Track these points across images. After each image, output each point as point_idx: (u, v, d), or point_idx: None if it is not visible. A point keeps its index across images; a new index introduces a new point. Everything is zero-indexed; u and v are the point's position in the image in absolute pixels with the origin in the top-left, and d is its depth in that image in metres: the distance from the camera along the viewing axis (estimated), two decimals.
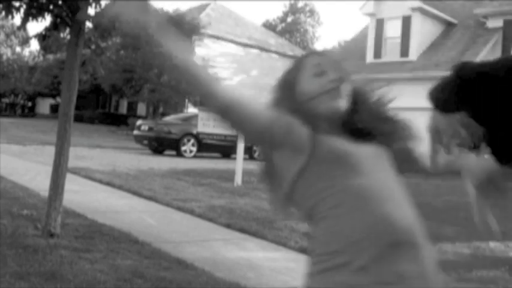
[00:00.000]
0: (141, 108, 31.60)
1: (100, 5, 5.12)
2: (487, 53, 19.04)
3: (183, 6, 49.11)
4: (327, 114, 1.43)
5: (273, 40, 33.02)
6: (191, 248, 5.13)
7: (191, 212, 6.94)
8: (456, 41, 20.08)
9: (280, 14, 57.80)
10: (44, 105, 42.34)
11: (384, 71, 20.52)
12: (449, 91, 1.61)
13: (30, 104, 42.79)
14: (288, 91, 1.53)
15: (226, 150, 17.07)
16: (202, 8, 30.82)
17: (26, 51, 44.53)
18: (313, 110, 1.44)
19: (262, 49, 30.53)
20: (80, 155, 12.83)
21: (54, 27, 5.07)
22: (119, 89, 26.82)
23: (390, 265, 1.26)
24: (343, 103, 1.45)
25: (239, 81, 28.06)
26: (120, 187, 8.60)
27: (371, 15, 21.40)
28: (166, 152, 16.89)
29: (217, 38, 27.87)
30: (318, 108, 1.43)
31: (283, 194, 1.43)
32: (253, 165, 14.12)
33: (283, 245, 5.49)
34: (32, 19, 4.85)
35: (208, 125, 9.80)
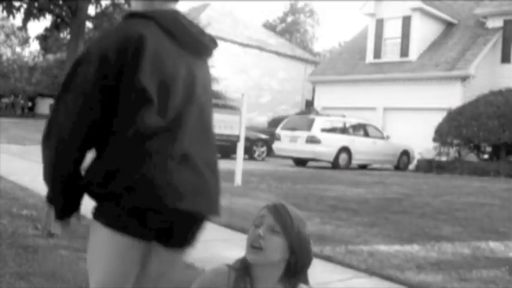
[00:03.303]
0: None
1: (100, 5, 5.13)
2: (487, 53, 19.04)
3: (183, 6, 49.12)
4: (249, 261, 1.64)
5: (273, 40, 33.02)
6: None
7: None
8: (456, 41, 20.08)
9: (280, 14, 57.82)
10: (44, 105, 42.29)
11: (383, 71, 20.53)
12: None
13: (30, 104, 42.78)
14: None
15: (226, 150, 17.05)
16: (202, 8, 30.83)
17: (26, 51, 44.56)
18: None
19: (262, 49, 30.53)
20: None
21: (54, 27, 5.08)
22: None
23: None
24: (264, 257, 1.61)
25: (239, 81, 28.07)
26: None
27: (371, 15, 21.41)
28: None
29: (217, 38, 27.87)
30: (246, 254, 1.65)
31: None
32: (253, 166, 14.13)
33: None
34: (33, 19, 4.86)
35: None
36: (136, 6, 1.87)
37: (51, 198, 1.81)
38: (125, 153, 1.67)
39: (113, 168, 1.67)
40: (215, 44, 1.93)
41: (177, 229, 1.76)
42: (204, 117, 1.90)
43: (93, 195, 1.76)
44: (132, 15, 1.80)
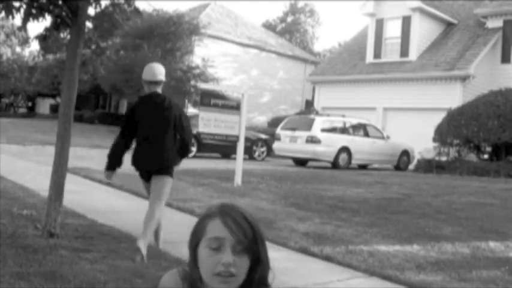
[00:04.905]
0: None
1: (100, 5, 5.12)
2: (487, 53, 19.05)
3: (183, 6, 49.16)
4: None
5: (273, 40, 33.01)
6: None
7: (191, 212, 6.94)
8: (456, 41, 20.08)
9: (280, 14, 57.84)
10: (44, 105, 42.32)
11: (383, 71, 20.54)
12: None
13: (30, 104, 42.79)
14: (192, 250, 1.50)
15: (226, 150, 17.07)
16: (202, 8, 30.82)
17: (26, 51, 44.54)
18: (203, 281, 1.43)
19: (262, 49, 30.52)
20: (80, 155, 12.83)
21: (54, 27, 5.07)
22: (118, 89, 26.82)
23: None
24: (236, 282, 1.41)
25: (239, 81, 28.07)
26: (120, 187, 8.60)
27: (371, 15, 21.41)
28: None
29: (217, 38, 27.86)
30: (209, 283, 1.42)
31: None
32: (253, 166, 14.14)
33: (283, 245, 5.50)
34: (33, 19, 4.85)
35: (209, 125, 9.78)
36: (144, 89, 4.95)
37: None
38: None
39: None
40: (164, 101, 4.84)
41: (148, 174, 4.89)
42: (156, 126, 4.77)
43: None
44: (139, 97, 5.11)
